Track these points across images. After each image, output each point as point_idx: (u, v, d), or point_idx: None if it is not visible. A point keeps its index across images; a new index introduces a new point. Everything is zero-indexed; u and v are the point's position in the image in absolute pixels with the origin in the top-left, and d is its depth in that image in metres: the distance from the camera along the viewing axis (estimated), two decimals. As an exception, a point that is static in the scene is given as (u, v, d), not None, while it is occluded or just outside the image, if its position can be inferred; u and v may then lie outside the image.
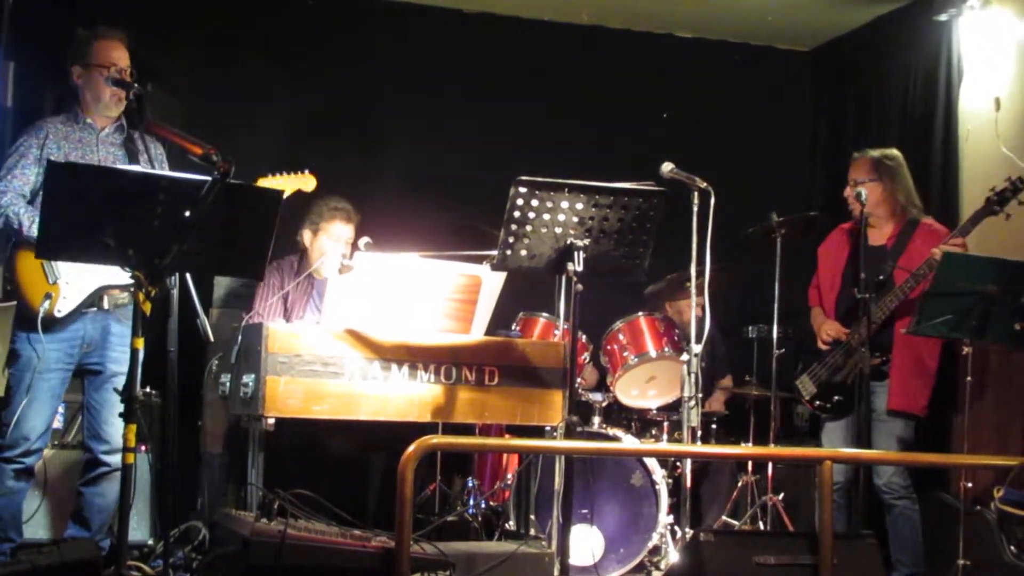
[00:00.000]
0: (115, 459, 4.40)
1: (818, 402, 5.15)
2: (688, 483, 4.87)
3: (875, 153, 5.15)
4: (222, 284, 5.84)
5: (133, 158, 4.45)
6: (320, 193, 5.34)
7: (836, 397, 5.06)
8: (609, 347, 5.56)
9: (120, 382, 4.34)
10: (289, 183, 4.88)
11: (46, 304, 4.24)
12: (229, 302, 5.79)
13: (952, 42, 6.11)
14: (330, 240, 5.28)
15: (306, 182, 4.95)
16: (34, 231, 4.21)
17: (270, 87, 6.50)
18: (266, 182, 4.78)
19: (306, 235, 5.34)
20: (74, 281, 4.30)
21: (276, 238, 3.80)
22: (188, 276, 3.89)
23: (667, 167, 4.71)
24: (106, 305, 4.38)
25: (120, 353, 4.40)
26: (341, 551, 3.71)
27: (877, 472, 4.94)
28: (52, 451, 5.01)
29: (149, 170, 3.95)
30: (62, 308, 4.28)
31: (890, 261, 5.00)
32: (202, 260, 3.76)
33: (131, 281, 4.29)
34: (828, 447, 5.10)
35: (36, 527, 4.90)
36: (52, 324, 4.28)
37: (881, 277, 4.94)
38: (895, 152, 5.18)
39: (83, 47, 4.47)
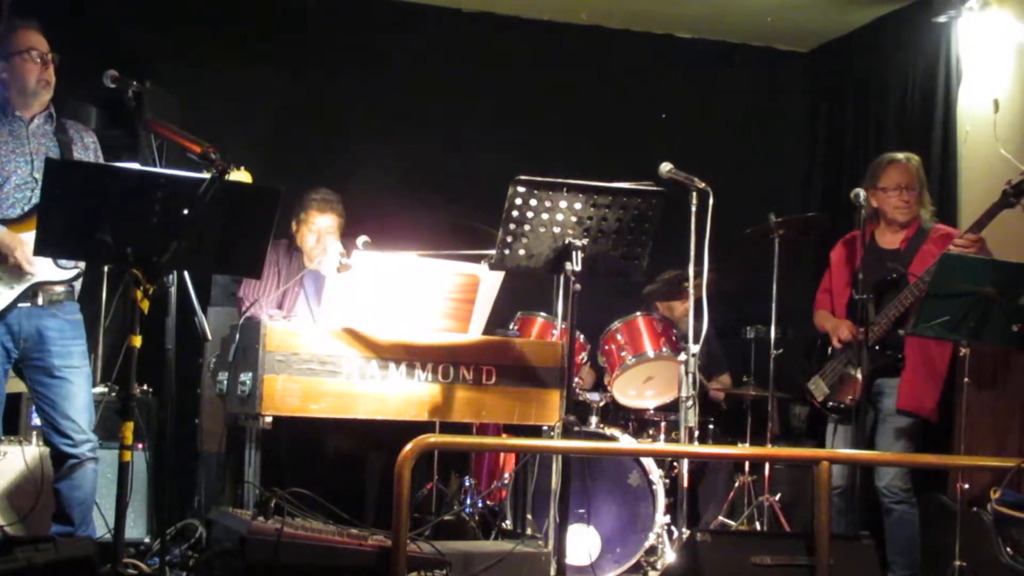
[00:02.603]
0: (80, 450, 4.36)
1: (831, 403, 5.14)
2: (685, 483, 4.88)
3: (916, 160, 5.12)
4: (220, 282, 5.84)
5: (66, 149, 4.38)
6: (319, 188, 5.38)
7: (850, 396, 5.06)
8: (607, 347, 5.56)
9: (70, 375, 4.35)
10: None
11: None
12: (227, 300, 5.79)
13: (951, 43, 6.11)
14: (310, 232, 5.29)
15: (241, 178, 4.85)
16: None
17: (267, 85, 6.50)
18: None
19: (293, 226, 5.35)
20: (5, 278, 4.24)
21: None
22: (186, 274, 3.89)
23: (666, 167, 4.72)
24: (40, 301, 4.30)
25: (61, 347, 4.35)
26: (338, 550, 3.71)
27: (878, 474, 4.94)
28: (48, 448, 5.01)
29: (147, 168, 3.94)
30: None
31: (902, 262, 4.99)
32: (200, 258, 3.76)
33: (67, 277, 4.32)
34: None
35: (33, 525, 4.89)
36: None
37: (894, 275, 4.94)
38: None
39: (2, 40, 4.37)
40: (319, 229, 5.28)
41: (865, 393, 4.89)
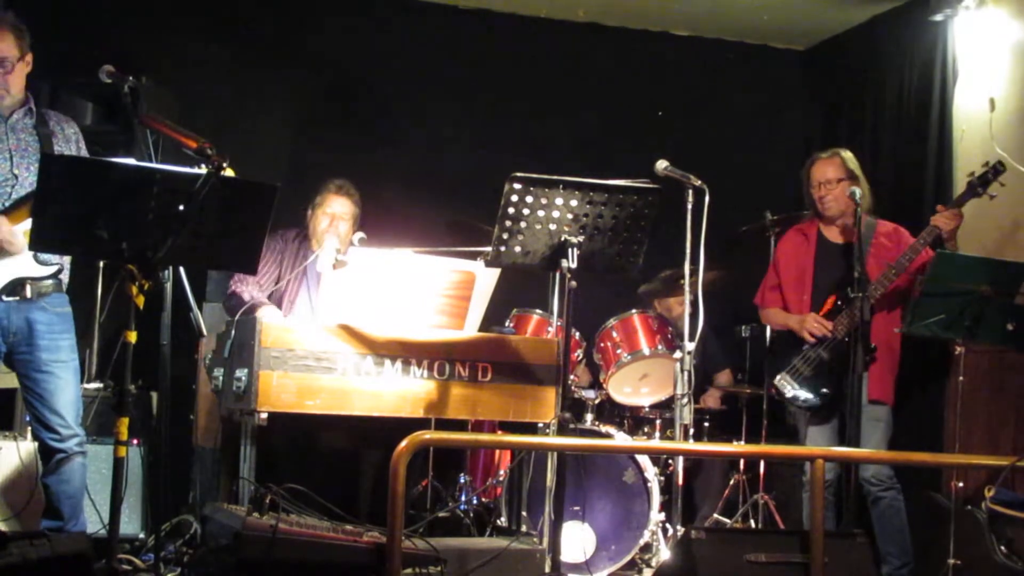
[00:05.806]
0: (67, 445, 4.35)
1: (801, 400, 5.13)
2: (680, 481, 4.87)
3: (845, 153, 5.21)
4: (215, 278, 5.82)
5: (47, 142, 4.35)
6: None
7: (823, 390, 5.06)
8: (602, 344, 5.57)
9: (58, 370, 4.34)
10: None
11: None
12: (223, 296, 5.77)
13: (947, 42, 6.11)
14: (324, 215, 5.28)
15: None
16: None
17: (263, 81, 6.49)
18: None
19: (309, 212, 5.35)
20: None
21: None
22: (182, 270, 3.88)
23: (662, 165, 4.72)
24: (28, 294, 4.28)
25: (49, 342, 4.33)
26: (333, 546, 3.71)
27: (863, 465, 4.95)
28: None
29: (143, 163, 3.93)
30: None
31: (859, 257, 4.99)
32: (196, 254, 3.75)
33: (48, 273, 4.30)
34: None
35: (28, 521, 4.87)
36: None
37: (856, 274, 4.93)
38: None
39: None
40: (333, 212, 5.28)
41: (839, 387, 4.92)
